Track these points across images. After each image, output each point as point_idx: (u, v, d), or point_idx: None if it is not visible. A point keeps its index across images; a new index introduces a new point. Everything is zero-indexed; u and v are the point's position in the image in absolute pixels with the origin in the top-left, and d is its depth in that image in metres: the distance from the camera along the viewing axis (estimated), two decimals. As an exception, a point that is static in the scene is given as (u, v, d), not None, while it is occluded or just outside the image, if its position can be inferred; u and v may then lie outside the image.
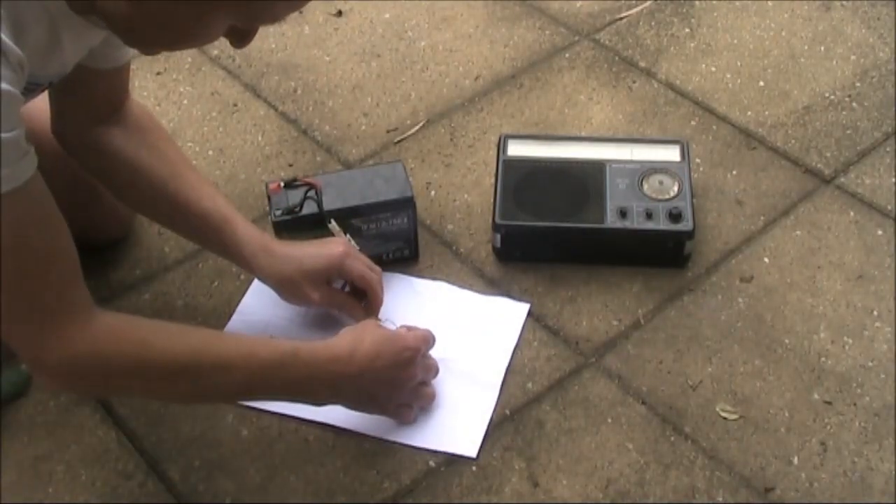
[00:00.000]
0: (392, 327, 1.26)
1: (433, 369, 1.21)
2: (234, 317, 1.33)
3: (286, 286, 1.25)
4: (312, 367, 1.11)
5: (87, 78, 1.16)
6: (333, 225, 1.29)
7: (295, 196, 1.32)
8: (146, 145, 1.26)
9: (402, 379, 1.17)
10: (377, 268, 1.29)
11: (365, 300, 1.28)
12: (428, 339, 1.19)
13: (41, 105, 1.36)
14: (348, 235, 1.30)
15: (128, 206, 1.36)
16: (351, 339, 1.13)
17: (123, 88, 1.27)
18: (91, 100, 1.22)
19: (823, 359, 1.28)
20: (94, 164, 1.28)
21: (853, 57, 1.72)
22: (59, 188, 1.34)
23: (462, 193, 1.50)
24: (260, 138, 1.60)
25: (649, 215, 1.35)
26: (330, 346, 1.13)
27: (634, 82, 1.68)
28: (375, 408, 1.18)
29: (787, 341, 1.30)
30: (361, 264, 1.27)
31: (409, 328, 1.20)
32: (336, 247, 1.26)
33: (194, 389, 1.07)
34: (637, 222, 1.35)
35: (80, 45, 1.07)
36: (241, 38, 0.99)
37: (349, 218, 1.31)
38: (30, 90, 1.07)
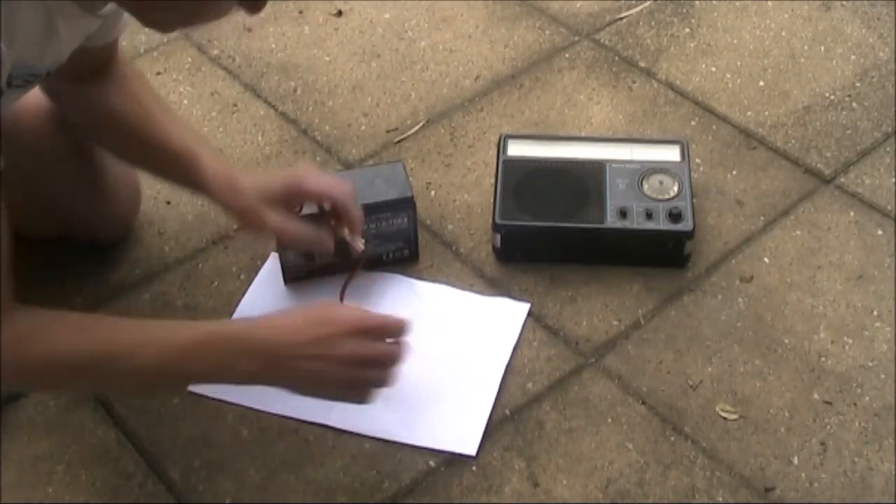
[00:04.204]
0: None
1: (390, 355, 1.10)
2: (234, 317, 1.33)
3: (245, 216, 1.21)
4: (230, 342, 1.06)
5: (79, 53, 1.15)
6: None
7: (295, 196, 1.31)
8: (123, 93, 1.26)
9: (329, 357, 1.06)
10: (347, 182, 1.23)
11: (340, 224, 1.21)
12: (386, 325, 1.11)
13: (41, 104, 1.37)
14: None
15: (113, 155, 1.34)
16: (279, 314, 1.09)
17: (112, 55, 1.26)
18: (80, 69, 1.21)
19: (823, 359, 1.28)
20: (75, 116, 1.28)
21: (853, 57, 1.72)
22: (59, 189, 1.35)
23: (462, 193, 1.50)
24: (260, 138, 1.60)
25: (649, 215, 1.35)
26: (255, 322, 1.09)
27: (634, 82, 1.68)
28: (317, 386, 1.10)
29: (787, 341, 1.30)
30: (324, 180, 1.21)
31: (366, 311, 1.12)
32: (297, 169, 1.22)
33: (108, 382, 1.08)
34: (637, 222, 1.35)
35: (76, 33, 1.07)
36: (253, 1, 0.97)
37: (349, 218, 1.31)
38: (28, 81, 1.07)
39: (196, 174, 1.22)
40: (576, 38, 1.77)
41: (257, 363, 1.06)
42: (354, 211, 1.22)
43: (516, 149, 1.44)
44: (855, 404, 1.23)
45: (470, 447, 1.19)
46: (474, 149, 1.57)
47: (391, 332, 1.11)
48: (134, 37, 1.79)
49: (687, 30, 1.78)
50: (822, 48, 1.74)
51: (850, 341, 1.29)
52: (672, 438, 1.20)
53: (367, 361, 1.09)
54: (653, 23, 1.80)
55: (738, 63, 1.71)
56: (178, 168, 1.24)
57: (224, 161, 1.24)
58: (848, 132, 1.58)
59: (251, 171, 1.26)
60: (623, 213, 1.35)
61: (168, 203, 1.49)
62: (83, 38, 1.10)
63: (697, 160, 1.52)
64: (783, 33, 1.77)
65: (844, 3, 1.83)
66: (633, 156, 1.42)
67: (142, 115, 1.25)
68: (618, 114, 1.62)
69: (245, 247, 1.43)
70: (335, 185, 1.23)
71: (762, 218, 1.45)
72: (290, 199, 1.22)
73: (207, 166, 1.22)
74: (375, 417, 1.21)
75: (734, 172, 1.52)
